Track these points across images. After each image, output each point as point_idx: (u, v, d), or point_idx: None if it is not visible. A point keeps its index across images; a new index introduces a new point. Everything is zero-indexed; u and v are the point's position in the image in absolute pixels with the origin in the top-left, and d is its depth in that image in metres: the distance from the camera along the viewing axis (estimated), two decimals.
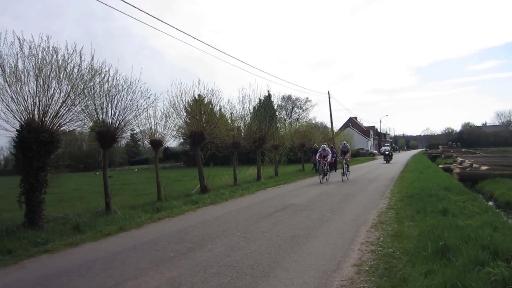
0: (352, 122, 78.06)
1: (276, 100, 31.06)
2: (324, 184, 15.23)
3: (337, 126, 56.87)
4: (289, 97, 64.29)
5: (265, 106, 19.86)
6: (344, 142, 19.83)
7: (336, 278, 4.17)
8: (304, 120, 56.11)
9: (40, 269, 5.11)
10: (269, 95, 24.88)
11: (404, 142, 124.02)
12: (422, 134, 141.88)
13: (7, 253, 5.84)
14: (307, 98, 66.27)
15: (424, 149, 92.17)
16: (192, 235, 6.70)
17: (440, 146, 65.23)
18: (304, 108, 66.78)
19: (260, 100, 19.36)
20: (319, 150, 17.11)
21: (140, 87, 10.38)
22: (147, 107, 11.06)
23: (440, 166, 26.45)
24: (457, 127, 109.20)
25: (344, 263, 4.69)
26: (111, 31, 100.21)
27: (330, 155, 16.83)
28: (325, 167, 16.45)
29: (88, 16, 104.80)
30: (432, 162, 33.17)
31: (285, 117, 60.28)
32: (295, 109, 66.65)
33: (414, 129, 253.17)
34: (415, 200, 8.88)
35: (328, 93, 40.51)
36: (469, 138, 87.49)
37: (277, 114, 36.69)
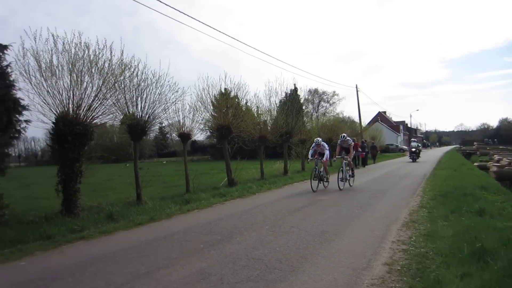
0: (381, 117, 76.21)
1: (302, 94, 30.75)
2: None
3: (365, 120, 55.66)
4: (316, 90, 63.53)
5: (291, 100, 19.69)
6: (344, 134, 13.59)
7: (367, 276, 4.10)
8: (331, 114, 55.37)
9: (77, 254, 5.35)
10: (296, 89, 24.60)
11: (436, 138, 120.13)
12: (455, 130, 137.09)
13: (47, 238, 6.16)
14: (334, 91, 65.31)
15: (457, 145, 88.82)
16: (220, 227, 6.79)
17: (475, 143, 62.64)
18: (331, 102, 65.88)
19: (286, 93, 19.22)
20: (312, 145, 12.38)
21: (168, 81, 10.57)
22: (175, 100, 11.26)
23: (475, 164, 25.43)
24: (494, 123, 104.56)
25: (375, 262, 4.61)
26: (138, 27, 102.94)
27: (327, 151, 12.01)
28: (321, 170, 12.04)
29: (115, 12, 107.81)
30: (466, 160, 31.93)
31: (311, 111, 59.65)
32: (322, 103, 65.87)
33: (446, 125, 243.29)
34: (449, 199, 8.60)
35: (356, 87, 39.89)
36: (507, 135, 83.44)
37: (303, 108, 36.41)
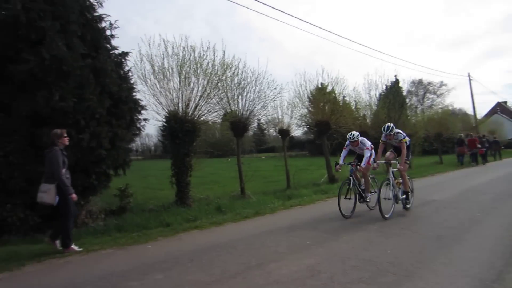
0: (500, 108, 66.36)
1: (405, 86, 28.65)
2: (465, 177, 13.34)
3: (481, 112, 49.58)
4: (420, 81, 58.21)
5: (393, 93, 18.59)
6: (390, 125, 7.73)
7: None
8: (439, 106, 50.26)
9: (193, 242, 5.81)
10: (397, 81, 22.98)
11: None
12: None
13: (166, 225, 6.87)
14: (441, 82, 58.96)
15: None
16: (326, 224, 6.69)
17: None
18: (438, 93, 59.80)
19: (386, 86, 18.20)
20: (346, 143, 7.98)
21: (267, 79, 10.86)
22: (273, 97, 11.50)
23: None
24: None
25: (507, 274, 4.02)
26: (234, 26, 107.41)
27: (369, 152, 7.69)
28: (361, 185, 7.85)
29: (214, 14, 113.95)
30: None
31: (416, 103, 54.89)
32: (428, 94, 60.17)
33: None
34: None
35: (468, 75, 35.86)
36: None
37: (407, 100, 33.86)
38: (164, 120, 9.14)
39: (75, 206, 5.71)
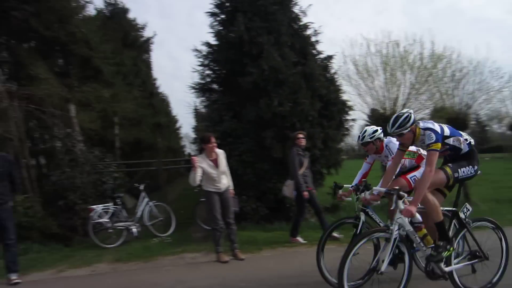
0: None
1: None
2: None
3: None
4: None
5: None
6: (398, 115, 3.41)
7: None
8: None
9: None
10: None
11: None
12: None
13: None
14: None
15: None
16: None
17: None
18: None
19: None
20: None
21: (489, 67, 9.19)
22: (500, 88, 9.60)
23: None
24: None
25: None
26: (436, 12, 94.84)
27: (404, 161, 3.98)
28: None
29: (412, 3, 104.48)
30: None
31: None
32: None
33: None
34: None
35: None
36: None
37: None
38: (370, 119, 8.95)
39: (319, 204, 6.19)
